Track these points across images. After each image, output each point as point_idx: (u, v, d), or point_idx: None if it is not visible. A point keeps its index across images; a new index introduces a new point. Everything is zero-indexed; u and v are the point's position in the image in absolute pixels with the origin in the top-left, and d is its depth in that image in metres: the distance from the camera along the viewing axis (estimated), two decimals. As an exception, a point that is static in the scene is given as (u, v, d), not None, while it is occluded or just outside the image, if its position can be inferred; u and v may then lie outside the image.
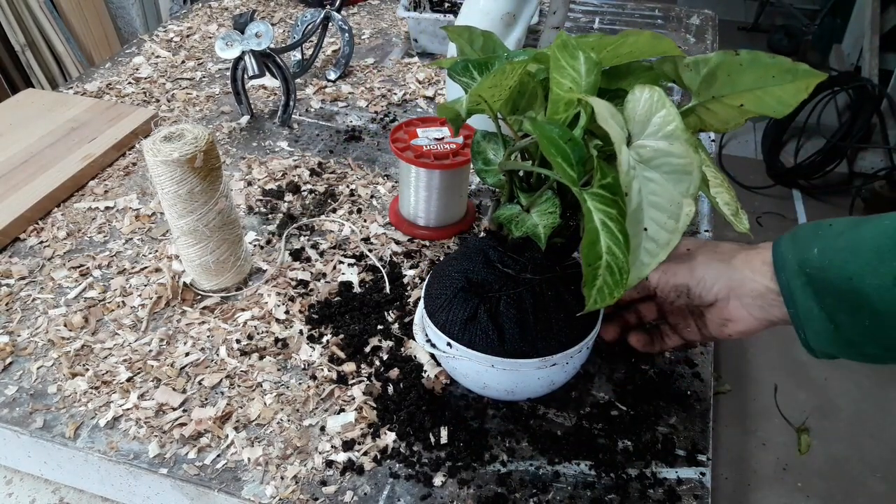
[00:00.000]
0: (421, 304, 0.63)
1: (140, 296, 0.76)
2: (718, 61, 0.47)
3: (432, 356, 0.69)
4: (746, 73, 0.46)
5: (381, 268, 0.80)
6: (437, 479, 0.59)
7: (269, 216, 0.89)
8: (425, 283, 0.64)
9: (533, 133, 0.47)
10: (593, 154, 0.46)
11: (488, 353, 0.56)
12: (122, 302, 0.75)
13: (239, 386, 0.67)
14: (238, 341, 0.71)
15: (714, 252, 0.56)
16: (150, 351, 0.70)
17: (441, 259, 0.83)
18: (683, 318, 0.61)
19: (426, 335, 0.61)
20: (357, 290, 0.77)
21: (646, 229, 0.44)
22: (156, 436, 0.62)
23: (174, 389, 0.66)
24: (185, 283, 0.76)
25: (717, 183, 0.52)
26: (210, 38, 1.36)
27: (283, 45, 1.16)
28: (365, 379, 0.67)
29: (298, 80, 1.21)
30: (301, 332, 0.72)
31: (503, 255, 0.57)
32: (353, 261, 0.82)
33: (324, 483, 0.59)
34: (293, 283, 0.78)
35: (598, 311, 0.59)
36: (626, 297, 0.61)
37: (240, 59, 1.02)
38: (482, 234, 0.83)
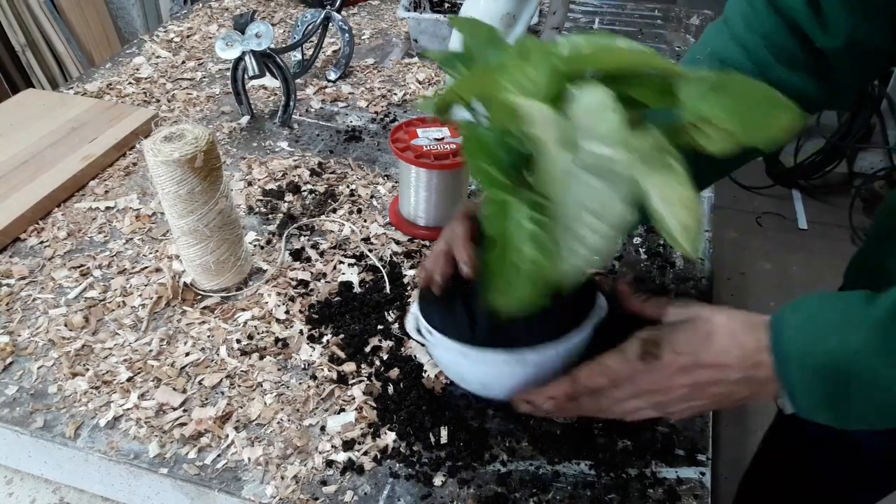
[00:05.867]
0: (416, 292, 0.63)
1: (140, 296, 0.76)
2: (711, 79, 0.46)
3: (432, 356, 0.69)
4: (733, 94, 0.44)
5: (381, 268, 0.80)
6: (438, 479, 0.59)
7: (270, 216, 0.89)
8: None
9: (463, 134, 0.47)
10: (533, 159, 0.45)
11: (459, 340, 0.56)
12: (123, 302, 0.76)
13: (239, 386, 0.67)
14: (238, 341, 0.71)
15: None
16: (151, 351, 0.70)
17: None
18: None
19: (417, 323, 0.62)
20: (357, 290, 0.78)
21: (579, 234, 0.42)
22: (156, 435, 0.62)
23: (174, 389, 0.66)
24: (185, 282, 0.76)
25: (681, 200, 0.49)
26: (210, 38, 1.36)
27: (284, 46, 1.16)
28: (365, 379, 0.67)
29: (299, 81, 1.21)
30: (301, 332, 0.72)
31: None
32: (353, 261, 0.82)
33: (324, 483, 0.59)
34: (293, 283, 0.78)
35: (582, 315, 0.57)
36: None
37: (240, 59, 1.02)
38: None
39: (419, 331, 0.60)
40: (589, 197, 0.42)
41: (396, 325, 0.73)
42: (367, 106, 1.15)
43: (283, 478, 0.59)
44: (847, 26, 0.52)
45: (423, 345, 0.62)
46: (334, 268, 0.81)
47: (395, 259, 0.82)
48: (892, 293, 0.43)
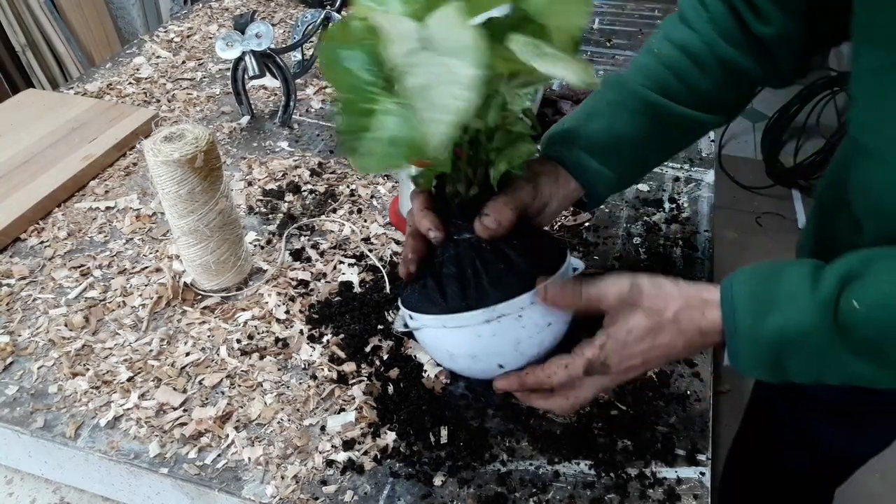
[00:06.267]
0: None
1: (141, 296, 0.76)
2: None
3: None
4: None
5: (382, 268, 0.80)
6: (438, 479, 0.59)
7: (270, 216, 0.89)
8: None
9: (323, 61, 0.48)
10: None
11: (435, 313, 0.56)
12: (123, 302, 0.76)
13: (239, 386, 0.67)
14: (238, 341, 0.71)
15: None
16: (151, 351, 0.70)
17: None
18: None
19: (403, 318, 0.61)
20: (357, 290, 0.78)
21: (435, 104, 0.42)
22: (156, 435, 0.62)
23: (175, 389, 0.66)
24: (185, 282, 0.76)
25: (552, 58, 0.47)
26: (210, 38, 1.36)
27: (284, 46, 1.16)
28: (365, 379, 0.67)
29: (299, 81, 1.21)
30: (301, 332, 0.72)
31: (449, 218, 0.57)
32: (353, 261, 0.82)
33: (324, 482, 0.59)
34: (293, 283, 0.78)
35: (550, 268, 0.56)
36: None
37: (240, 59, 1.02)
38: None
39: (405, 325, 0.60)
40: (435, 74, 0.42)
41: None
42: (367, 106, 1.15)
43: (283, 477, 0.59)
44: (776, 18, 0.59)
45: (411, 336, 0.61)
46: (334, 268, 0.81)
47: (395, 259, 0.82)
48: (835, 271, 0.47)
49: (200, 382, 0.67)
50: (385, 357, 0.70)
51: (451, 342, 0.58)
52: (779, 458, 0.96)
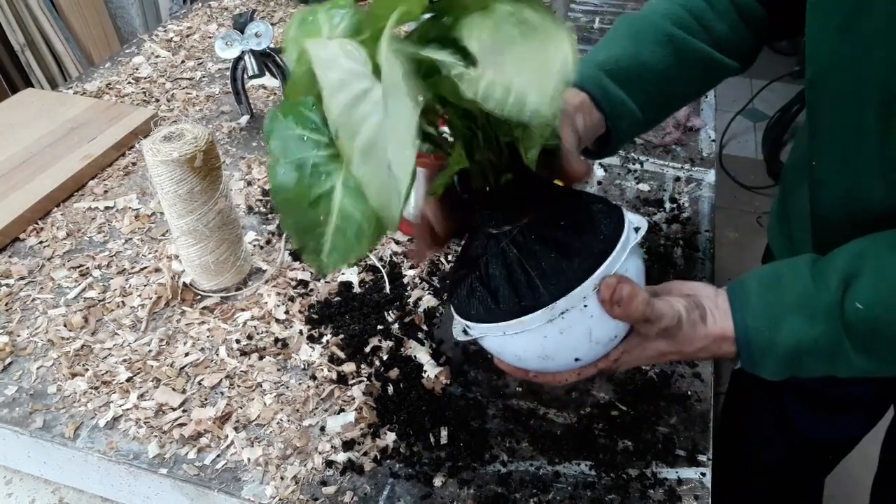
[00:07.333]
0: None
1: (140, 296, 0.76)
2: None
3: (432, 357, 0.69)
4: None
5: (381, 268, 0.80)
6: (438, 480, 0.59)
7: (269, 216, 0.89)
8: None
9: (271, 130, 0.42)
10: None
11: (490, 321, 0.50)
12: (122, 302, 0.75)
13: (239, 386, 0.67)
14: (238, 341, 0.71)
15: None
16: (150, 351, 0.70)
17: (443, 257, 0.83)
18: None
19: (461, 325, 0.55)
20: (357, 290, 0.77)
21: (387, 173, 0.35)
22: (155, 436, 0.62)
23: (174, 389, 0.66)
24: (184, 283, 0.76)
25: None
26: (210, 37, 1.36)
27: (283, 45, 1.16)
28: (365, 379, 0.67)
29: (298, 80, 1.21)
30: (301, 332, 0.72)
31: (484, 213, 0.51)
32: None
33: (324, 483, 0.59)
34: (293, 283, 0.78)
35: (612, 242, 0.50)
36: None
37: (239, 58, 1.02)
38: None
39: (465, 331, 0.54)
40: (385, 131, 0.35)
41: (396, 326, 0.73)
42: (366, 105, 1.14)
43: (282, 478, 0.59)
44: None
45: (475, 343, 0.55)
46: (334, 268, 0.80)
47: (395, 259, 0.82)
48: (835, 273, 0.47)
49: (200, 383, 0.67)
50: (385, 357, 0.69)
51: (517, 347, 0.52)
52: (761, 447, 0.97)
